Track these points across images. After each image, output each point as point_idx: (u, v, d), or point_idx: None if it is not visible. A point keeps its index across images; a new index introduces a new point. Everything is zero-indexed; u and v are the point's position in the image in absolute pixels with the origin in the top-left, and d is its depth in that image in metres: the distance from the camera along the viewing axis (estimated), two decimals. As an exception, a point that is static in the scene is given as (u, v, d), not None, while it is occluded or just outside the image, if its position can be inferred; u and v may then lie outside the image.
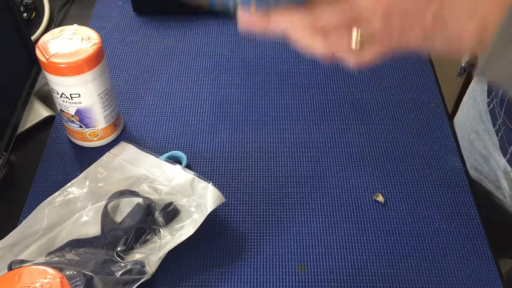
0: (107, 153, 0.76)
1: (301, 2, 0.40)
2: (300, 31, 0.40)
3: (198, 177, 0.70)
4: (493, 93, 0.77)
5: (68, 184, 0.72)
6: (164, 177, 0.72)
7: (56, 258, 0.64)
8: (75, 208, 0.69)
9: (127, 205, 0.69)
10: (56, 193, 0.71)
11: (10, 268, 0.62)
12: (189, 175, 0.70)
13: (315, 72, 0.91)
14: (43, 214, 0.68)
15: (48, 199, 0.70)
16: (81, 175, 0.73)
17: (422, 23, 0.38)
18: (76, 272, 0.60)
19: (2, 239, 0.65)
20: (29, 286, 0.47)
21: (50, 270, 0.49)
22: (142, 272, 0.62)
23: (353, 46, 0.39)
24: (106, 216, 0.68)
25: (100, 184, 0.72)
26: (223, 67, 0.93)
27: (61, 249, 0.65)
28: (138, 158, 0.75)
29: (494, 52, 0.36)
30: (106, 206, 0.69)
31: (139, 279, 0.61)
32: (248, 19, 0.40)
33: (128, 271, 0.62)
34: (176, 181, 0.71)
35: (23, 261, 0.63)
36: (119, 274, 0.62)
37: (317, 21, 0.39)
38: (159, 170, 0.73)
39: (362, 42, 0.39)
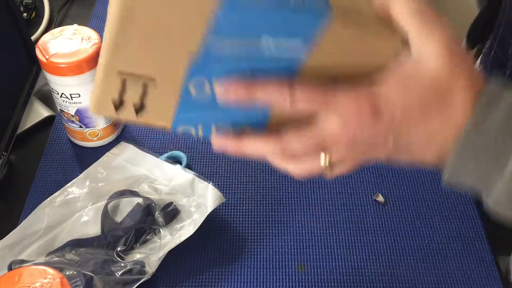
0: (107, 153, 0.76)
1: (260, 128, 0.42)
2: (271, 157, 0.42)
3: (198, 177, 0.70)
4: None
5: (68, 184, 0.72)
6: (164, 177, 0.72)
7: (56, 258, 0.64)
8: (75, 208, 0.69)
9: (127, 205, 0.69)
10: (56, 193, 0.71)
11: (10, 268, 0.62)
12: (189, 175, 0.70)
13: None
14: (43, 214, 0.68)
15: (48, 199, 0.70)
16: (81, 175, 0.73)
17: (384, 149, 0.41)
18: (76, 272, 0.60)
19: (2, 239, 0.65)
20: (29, 286, 0.47)
21: (50, 270, 0.49)
22: (142, 272, 0.62)
23: (324, 167, 0.41)
24: (106, 216, 0.68)
25: (100, 184, 0.72)
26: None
27: (61, 249, 0.65)
28: (138, 158, 0.75)
29: (454, 168, 0.40)
30: (106, 206, 0.69)
31: (139, 279, 0.61)
32: (221, 143, 0.43)
33: (128, 271, 0.62)
34: (176, 181, 0.71)
35: (23, 261, 0.63)
36: (119, 274, 0.62)
37: (286, 149, 0.41)
38: (159, 170, 0.73)
39: (331, 163, 0.41)
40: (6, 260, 0.63)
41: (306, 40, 0.38)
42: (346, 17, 0.38)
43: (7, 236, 0.66)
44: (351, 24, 0.38)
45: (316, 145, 0.40)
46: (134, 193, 0.70)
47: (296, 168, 0.42)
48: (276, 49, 0.38)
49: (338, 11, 0.37)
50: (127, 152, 0.76)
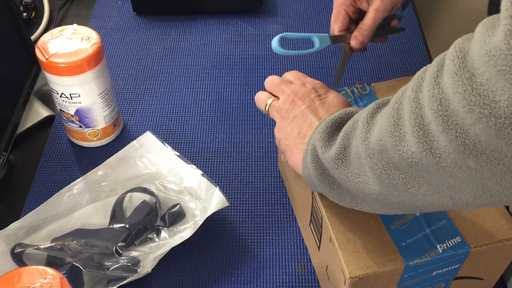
0: (132, 142, 0.75)
1: None
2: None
3: (209, 180, 0.69)
4: None
5: (89, 173, 0.72)
6: (177, 176, 0.72)
7: (54, 249, 0.65)
8: (90, 197, 0.70)
9: (137, 201, 0.70)
10: (77, 180, 0.71)
11: (13, 251, 0.63)
12: (200, 177, 0.70)
13: (316, 72, 0.91)
14: (61, 200, 0.69)
15: (68, 185, 0.71)
16: (100, 166, 0.73)
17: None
18: (66, 264, 0.62)
19: (19, 220, 0.67)
20: (28, 286, 0.47)
21: (50, 270, 0.49)
22: (132, 271, 0.62)
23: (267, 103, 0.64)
24: (115, 211, 0.69)
25: (114, 178, 0.72)
26: (223, 66, 0.93)
27: (65, 236, 0.66)
28: (157, 152, 0.74)
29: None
30: (117, 201, 0.70)
31: (127, 277, 0.61)
32: None
33: (119, 268, 0.62)
34: (187, 183, 0.71)
35: (26, 245, 0.64)
36: (110, 270, 0.62)
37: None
38: (174, 168, 0.72)
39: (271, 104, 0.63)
40: (17, 241, 0.65)
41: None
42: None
43: (24, 217, 0.67)
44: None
45: (278, 87, 0.63)
46: (145, 190, 0.70)
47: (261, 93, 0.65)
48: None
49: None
50: (150, 144, 0.75)
